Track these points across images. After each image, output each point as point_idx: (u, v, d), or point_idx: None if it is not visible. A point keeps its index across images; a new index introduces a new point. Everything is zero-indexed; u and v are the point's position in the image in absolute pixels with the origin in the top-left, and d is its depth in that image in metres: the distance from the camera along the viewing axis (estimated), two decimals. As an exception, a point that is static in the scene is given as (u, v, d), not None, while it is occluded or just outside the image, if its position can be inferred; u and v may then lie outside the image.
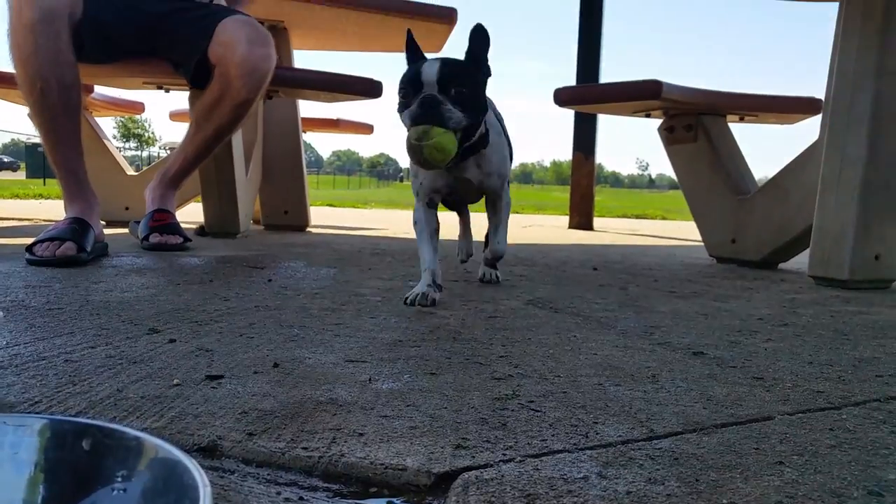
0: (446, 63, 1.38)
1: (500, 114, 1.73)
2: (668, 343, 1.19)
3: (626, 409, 0.80)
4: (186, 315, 1.26)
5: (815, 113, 2.73)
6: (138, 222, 2.53)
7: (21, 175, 32.61)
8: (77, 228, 1.96)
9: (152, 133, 63.21)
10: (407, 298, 1.44)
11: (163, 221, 2.42)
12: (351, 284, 1.73)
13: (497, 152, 1.59)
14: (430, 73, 1.36)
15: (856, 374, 1.02)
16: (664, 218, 8.41)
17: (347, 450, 0.64)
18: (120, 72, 2.49)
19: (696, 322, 1.40)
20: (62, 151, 2.08)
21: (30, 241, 1.98)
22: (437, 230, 1.61)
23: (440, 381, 0.89)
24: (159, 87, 2.78)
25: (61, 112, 2.04)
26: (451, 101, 1.34)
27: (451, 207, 1.91)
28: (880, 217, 1.99)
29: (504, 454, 0.65)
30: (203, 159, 2.49)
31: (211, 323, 1.20)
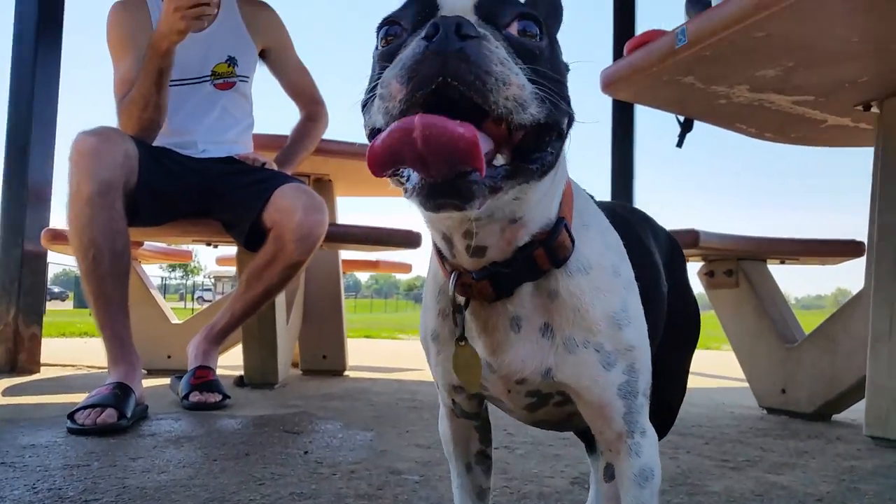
0: None
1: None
2: (724, 543, 1.12)
3: None
4: (221, 508, 1.23)
5: (858, 255, 2.69)
6: (179, 377, 2.55)
7: (69, 304, 33.64)
8: (119, 394, 1.98)
9: (197, 263, 65.11)
10: None
11: (204, 378, 2.44)
12: (388, 456, 1.69)
13: (610, 283, 0.74)
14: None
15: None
16: (707, 348, 8.21)
17: None
18: (171, 231, 2.58)
19: (751, 508, 1.33)
20: (109, 315, 2.14)
21: (73, 398, 1.99)
22: (482, 456, 0.90)
23: None
24: (208, 244, 2.87)
25: (110, 278, 2.11)
26: (510, 48, 0.63)
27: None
28: (938, 373, 1.90)
29: None
30: (249, 316, 2.54)
31: (246, 520, 1.17)
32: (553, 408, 0.80)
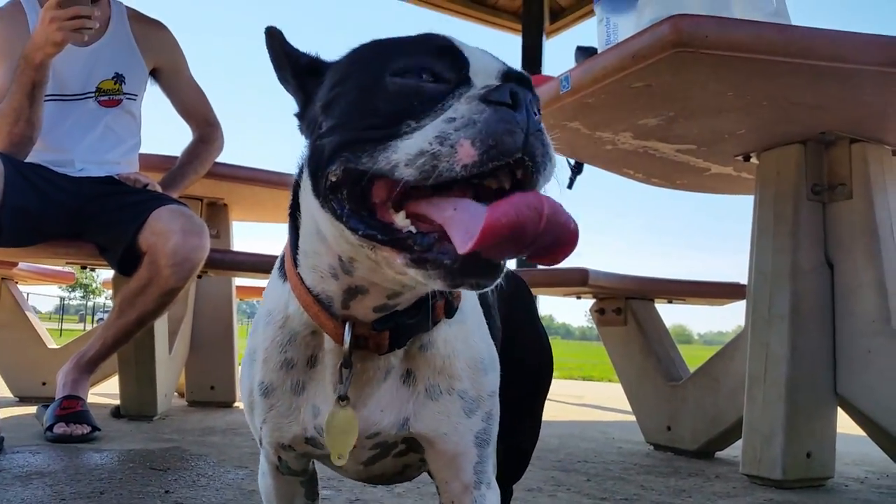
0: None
1: None
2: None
3: None
4: (52, 556, 1.12)
5: (741, 298, 2.78)
6: (46, 406, 2.37)
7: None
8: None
9: (99, 284, 62.28)
10: None
11: (71, 409, 2.28)
12: (256, 497, 1.60)
13: (480, 330, 0.76)
14: (486, 57, 0.65)
15: None
16: (610, 380, 8.37)
17: None
18: (41, 253, 2.42)
19: (619, 550, 1.31)
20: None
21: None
22: None
23: None
24: (83, 267, 2.71)
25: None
26: None
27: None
28: (808, 414, 1.97)
29: None
30: (122, 344, 2.40)
31: (76, 569, 1.06)
32: (392, 459, 0.76)
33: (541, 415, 1.09)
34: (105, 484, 1.65)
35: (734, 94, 1.83)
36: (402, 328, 0.66)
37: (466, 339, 0.70)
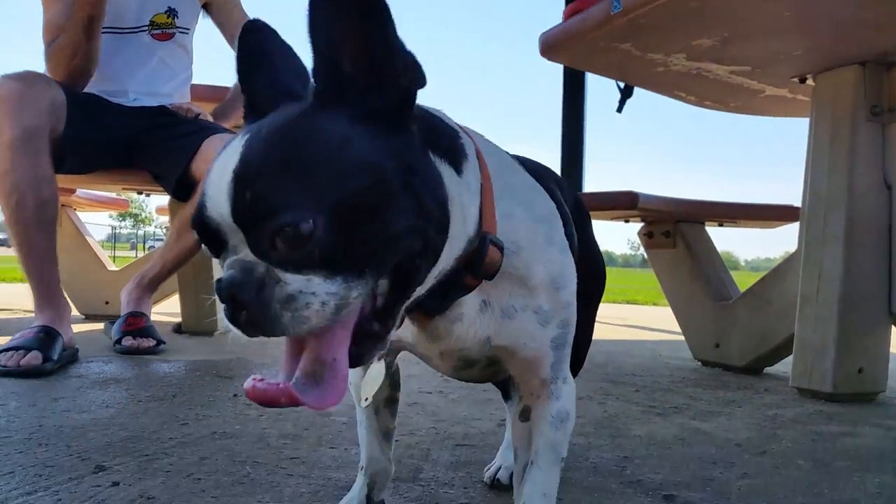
0: (255, 144, 0.57)
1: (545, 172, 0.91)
2: (640, 482, 1.14)
3: (582, 582, 0.75)
4: (138, 446, 1.21)
5: (794, 220, 2.74)
6: (113, 322, 2.49)
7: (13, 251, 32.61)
8: (43, 337, 1.92)
9: (148, 213, 63.66)
10: None
11: (136, 325, 2.39)
12: (320, 400, 1.68)
13: (544, 253, 0.74)
14: (219, 197, 0.57)
15: (832, 525, 0.97)
16: (655, 303, 8.38)
17: None
18: (100, 179, 2.51)
19: (671, 451, 1.35)
20: (34, 262, 2.06)
21: (3, 342, 1.94)
22: (390, 400, 0.90)
23: (389, 542, 0.84)
24: (139, 192, 2.79)
25: (35, 226, 2.03)
26: (286, 263, 0.56)
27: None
28: (861, 330, 1.96)
29: None
30: (181, 266, 2.48)
31: (161, 457, 1.15)
32: (478, 371, 0.81)
33: (594, 320, 1.12)
34: (176, 389, 1.74)
35: (792, 14, 1.77)
36: (425, 304, 0.68)
37: (530, 266, 0.71)
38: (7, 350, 1.86)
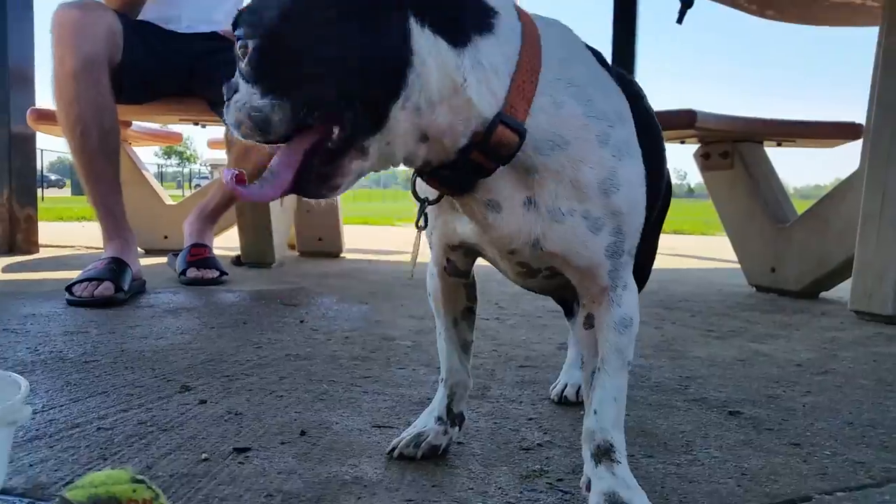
0: None
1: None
2: (704, 399, 1.16)
3: (658, 488, 0.79)
4: (219, 368, 1.27)
5: (856, 138, 2.66)
6: (176, 255, 2.57)
7: (67, 191, 33.57)
8: (115, 268, 2.00)
9: (193, 151, 64.47)
10: (394, 446, 0.87)
11: (200, 256, 2.46)
12: (382, 325, 1.73)
13: (594, 153, 0.72)
14: None
15: (899, 439, 0.98)
16: (703, 233, 8.27)
17: (371, 543, 0.64)
18: (158, 110, 2.54)
19: (732, 371, 1.37)
20: (101, 192, 2.13)
21: (71, 275, 2.03)
22: (468, 312, 0.92)
23: (466, 454, 0.88)
24: (195, 123, 2.83)
25: (100, 155, 2.08)
26: (243, 76, 0.68)
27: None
28: (925, 251, 1.93)
29: (530, 550, 0.64)
30: (241, 197, 2.53)
31: (242, 377, 1.21)
32: (542, 280, 0.83)
33: (658, 237, 1.12)
34: (245, 316, 1.81)
35: None
36: (444, 178, 0.71)
37: (577, 164, 0.70)
38: (81, 281, 1.94)
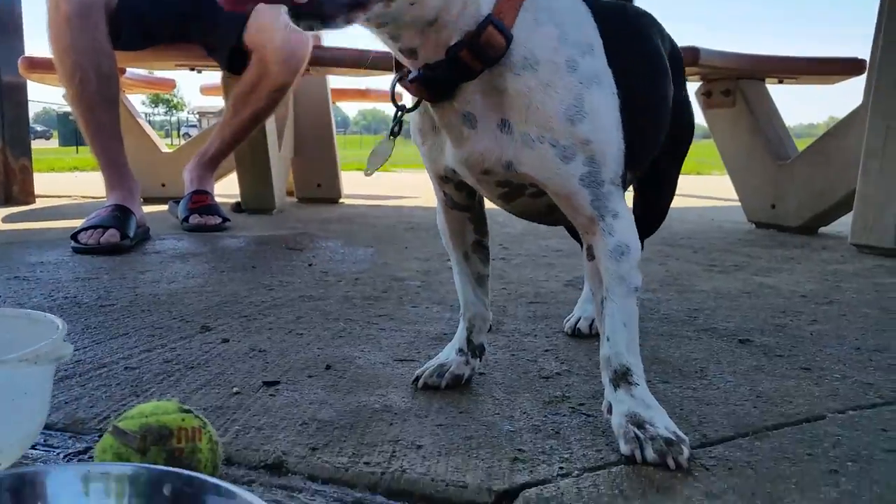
0: None
1: None
2: (714, 329, 1.19)
3: (677, 410, 0.81)
4: (235, 309, 1.29)
5: (858, 74, 2.65)
6: (177, 202, 2.57)
7: (54, 143, 33.13)
8: (119, 215, 2.00)
9: (181, 99, 63.46)
10: (418, 375, 0.90)
11: (202, 203, 2.46)
12: (390, 267, 1.75)
13: (561, 78, 0.73)
14: None
15: (906, 362, 1.01)
16: (699, 173, 8.28)
17: (408, 464, 0.66)
18: (154, 56, 2.51)
19: (739, 303, 1.40)
20: (102, 141, 2.11)
21: (72, 223, 2.03)
22: (478, 246, 0.93)
23: (489, 383, 0.90)
24: (191, 69, 2.79)
25: (100, 102, 2.06)
26: None
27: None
28: (926, 184, 1.94)
29: (561, 467, 0.66)
30: (240, 142, 2.52)
31: (259, 317, 1.22)
32: (529, 199, 0.83)
33: (677, 177, 1.14)
34: (253, 260, 1.82)
35: None
36: (430, 79, 0.72)
37: (545, 88, 0.72)
38: (86, 229, 1.94)
